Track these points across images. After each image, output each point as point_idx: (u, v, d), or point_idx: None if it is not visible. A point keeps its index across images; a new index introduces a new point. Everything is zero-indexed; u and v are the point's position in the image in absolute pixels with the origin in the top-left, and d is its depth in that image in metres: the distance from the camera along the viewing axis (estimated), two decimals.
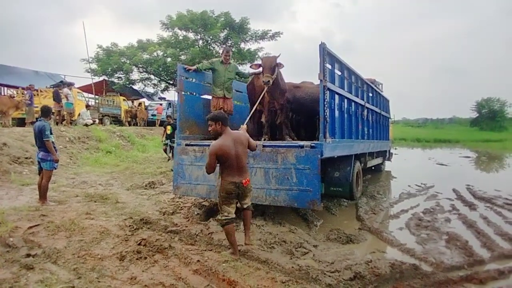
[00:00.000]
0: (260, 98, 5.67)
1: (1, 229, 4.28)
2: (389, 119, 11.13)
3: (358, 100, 6.53)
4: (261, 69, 5.69)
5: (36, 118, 9.65)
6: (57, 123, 13.59)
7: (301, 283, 3.14)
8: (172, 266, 3.46)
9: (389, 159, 11.96)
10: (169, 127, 12.04)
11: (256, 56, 23.94)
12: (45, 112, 5.88)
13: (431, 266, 3.65)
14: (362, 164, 7.60)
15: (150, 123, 21.57)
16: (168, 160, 11.91)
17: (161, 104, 22.65)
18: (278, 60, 5.54)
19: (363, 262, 3.58)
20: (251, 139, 3.89)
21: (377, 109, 8.50)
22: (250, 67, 6.34)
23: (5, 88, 16.19)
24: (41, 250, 3.77)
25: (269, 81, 5.38)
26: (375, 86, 9.65)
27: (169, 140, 11.94)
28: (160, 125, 20.13)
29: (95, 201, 6.03)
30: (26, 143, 9.81)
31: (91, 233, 4.39)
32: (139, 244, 4.00)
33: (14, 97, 13.75)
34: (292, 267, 3.51)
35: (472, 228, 5.00)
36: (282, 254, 3.92)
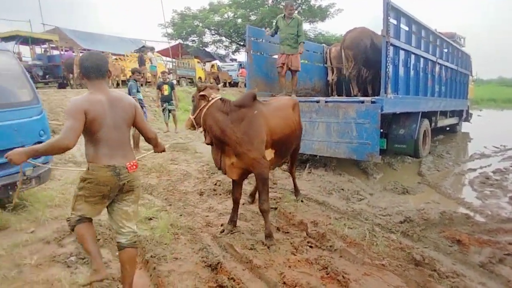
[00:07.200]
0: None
1: None
2: (469, 77, 10.32)
3: (428, 55, 6.31)
4: None
5: (128, 79, 11.05)
6: (141, 85, 15.16)
7: (352, 220, 3.55)
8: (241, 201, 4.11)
9: (467, 120, 11.20)
10: (165, 87, 9.01)
11: (328, 12, 23.07)
12: (133, 73, 7.07)
13: (486, 218, 3.76)
14: (432, 123, 7.41)
15: (234, 85, 22.18)
16: (167, 131, 9.26)
17: (243, 68, 23.04)
18: None
19: (415, 209, 3.84)
20: (139, 109, 2.30)
21: (452, 65, 8.02)
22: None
23: None
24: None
25: None
26: (454, 40, 8.99)
27: (166, 103, 9.13)
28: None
29: (178, 151, 6.98)
30: None
31: (176, 174, 5.28)
32: (215, 184, 4.75)
33: None
34: (347, 209, 3.92)
35: None
36: (339, 199, 4.34)
